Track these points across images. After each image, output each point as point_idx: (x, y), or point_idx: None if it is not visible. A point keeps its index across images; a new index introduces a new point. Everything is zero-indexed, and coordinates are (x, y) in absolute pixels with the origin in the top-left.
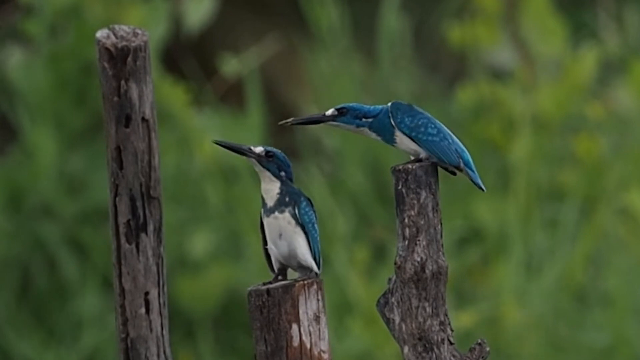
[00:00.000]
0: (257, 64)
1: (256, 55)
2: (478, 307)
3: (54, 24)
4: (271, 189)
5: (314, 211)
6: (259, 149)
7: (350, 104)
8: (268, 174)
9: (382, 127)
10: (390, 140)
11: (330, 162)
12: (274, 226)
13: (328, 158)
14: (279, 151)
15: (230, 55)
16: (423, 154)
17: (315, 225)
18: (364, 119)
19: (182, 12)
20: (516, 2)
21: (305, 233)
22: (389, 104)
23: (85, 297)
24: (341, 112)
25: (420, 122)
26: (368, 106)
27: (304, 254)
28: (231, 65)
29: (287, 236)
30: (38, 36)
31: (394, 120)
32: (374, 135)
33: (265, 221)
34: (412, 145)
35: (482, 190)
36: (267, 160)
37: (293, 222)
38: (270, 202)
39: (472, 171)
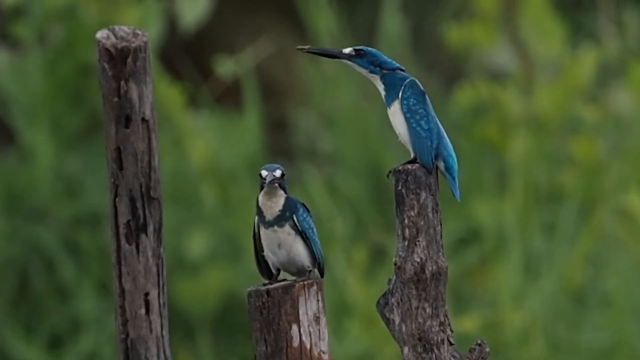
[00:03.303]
0: (254, 64)
1: (253, 56)
2: (479, 311)
3: (46, 25)
4: (273, 205)
5: (311, 216)
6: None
7: (370, 49)
8: (280, 191)
9: (392, 87)
10: (388, 103)
11: (327, 165)
12: (273, 238)
13: (324, 161)
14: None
15: (226, 56)
16: (403, 139)
17: (314, 229)
18: (378, 68)
19: (177, 12)
20: (514, 3)
21: (306, 239)
22: (409, 79)
23: (82, 298)
24: (358, 54)
25: (419, 111)
26: (386, 57)
27: (303, 260)
28: (227, 67)
29: (286, 245)
30: (27, 39)
31: (402, 93)
32: (381, 87)
33: (263, 232)
34: (400, 125)
35: (457, 199)
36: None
37: (293, 232)
38: (269, 217)
39: (453, 178)
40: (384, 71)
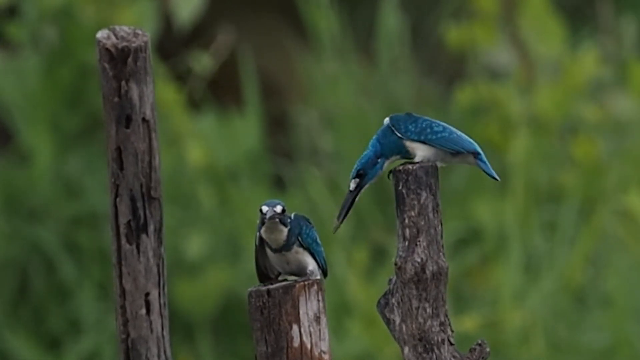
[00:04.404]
0: (254, 64)
1: (252, 55)
2: (479, 311)
3: (42, 25)
4: (277, 239)
5: (313, 227)
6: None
7: (359, 162)
8: (281, 226)
9: (393, 146)
10: (405, 153)
11: (327, 164)
12: (282, 259)
13: (325, 160)
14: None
15: (203, 53)
16: (422, 156)
17: (318, 240)
18: (379, 160)
19: (172, 9)
20: (514, 3)
21: (312, 253)
22: (387, 120)
23: (83, 299)
24: (360, 175)
25: (424, 125)
26: (368, 149)
27: (312, 269)
28: (203, 63)
29: (295, 261)
30: (22, 39)
31: (399, 132)
32: (395, 159)
33: (270, 254)
34: (425, 150)
35: (497, 179)
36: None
37: (301, 249)
38: (275, 246)
39: (484, 162)
40: (384, 151)
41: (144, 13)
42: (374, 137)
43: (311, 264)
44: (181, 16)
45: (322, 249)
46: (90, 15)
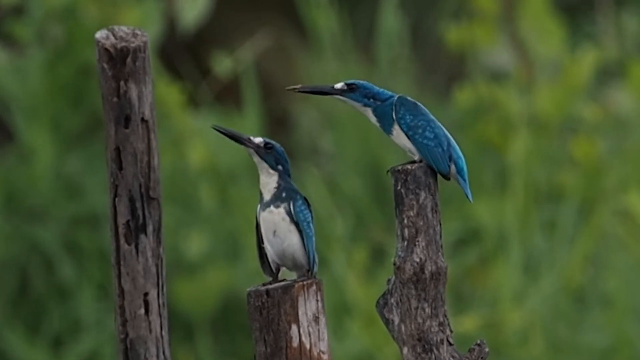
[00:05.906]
0: (253, 63)
1: (252, 54)
2: (479, 311)
3: (46, 25)
4: (269, 182)
5: (311, 210)
6: (258, 140)
7: (362, 82)
8: (266, 165)
9: (384, 115)
10: (388, 130)
11: (327, 164)
12: (269, 221)
13: (325, 159)
14: (278, 145)
15: (223, 54)
16: (416, 156)
17: (311, 224)
18: (372, 100)
19: (177, 11)
20: (514, 3)
21: (300, 231)
22: (395, 97)
23: (82, 299)
24: (351, 88)
25: (419, 123)
26: (378, 88)
27: (297, 252)
28: (224, 65)
29: (281, 233)
30: (27, 38)
31: (395, 115)
32: (374, 119)
33: (261, 216)
34: (407, 143)
35: (470, 201)
36: (265, 152)
37: (287, 219)
38: (267, 196)
39: (464, 180)
40: (378, 102)
41: (148, 14)
42: (391, 94)
43: (300, 252)
44: (186, 19)
45: (314, 239)
46: (94, 15)
